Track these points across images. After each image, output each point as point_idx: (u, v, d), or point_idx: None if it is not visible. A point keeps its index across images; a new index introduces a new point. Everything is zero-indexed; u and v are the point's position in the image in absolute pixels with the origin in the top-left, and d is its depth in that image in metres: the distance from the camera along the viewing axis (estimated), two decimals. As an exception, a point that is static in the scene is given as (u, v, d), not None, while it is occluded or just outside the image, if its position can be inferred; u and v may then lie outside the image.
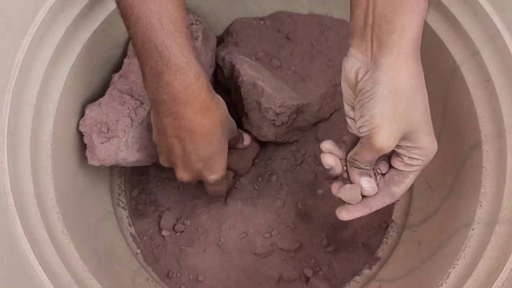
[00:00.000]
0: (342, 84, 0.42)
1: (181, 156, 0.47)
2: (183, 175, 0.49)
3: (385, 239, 0.61)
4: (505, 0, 0.46)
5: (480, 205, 0.47)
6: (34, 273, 0.43)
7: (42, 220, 0.46)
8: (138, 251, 0.61)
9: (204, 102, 0.43)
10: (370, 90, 0.37)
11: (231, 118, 0.50)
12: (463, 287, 0.43)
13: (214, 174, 0.49)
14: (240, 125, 0.63)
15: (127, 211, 0.63)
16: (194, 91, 0.42)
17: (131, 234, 0.62)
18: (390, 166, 0.42)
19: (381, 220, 0.61)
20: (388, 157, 0.43)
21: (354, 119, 0.41)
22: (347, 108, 0.42)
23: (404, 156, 0.40)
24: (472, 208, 0.47)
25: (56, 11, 0.47)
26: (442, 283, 0.46)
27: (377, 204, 0.43)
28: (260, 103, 0.57)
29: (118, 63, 0.58)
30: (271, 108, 0.57)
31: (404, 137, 0.38)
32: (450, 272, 0.46)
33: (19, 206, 0.44)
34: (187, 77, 0.41)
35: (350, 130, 0.43)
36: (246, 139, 0.58)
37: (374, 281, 0.58)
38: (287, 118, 0.58)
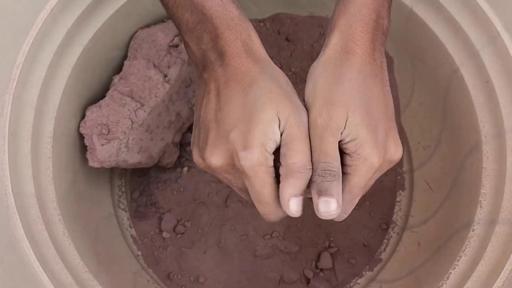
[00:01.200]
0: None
1: (214, 123, 0.34)
2: (211, 152, 0.34)
3: (385, 240, 0.61)
4: (505, 1, 0.46)
5: (480, 206, 0.47)
6: (34, 274, 0.43)
7: (43, 221, 0.46)
8: (139, 252, 0.61)
9: (251, 47, 0.35)
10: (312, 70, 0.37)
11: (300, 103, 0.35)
12: (463, 287, 0.43)
13: (247, 146, 0.32)
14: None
15: (127, 212, 0.63)
16: (236, 36, 0.34)
17: (131, 235, 0.62)
18: None
19: (381, 221, 0.61)
20: None
21: None
22: None
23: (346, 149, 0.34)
24: (472, 209, 0.47)
25: (57, 13, 0.47)
26: (443, 283, 0.46)
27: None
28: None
29: (119, 65, 0.58)
30: (271, 109, 0.57)
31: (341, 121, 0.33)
32: (450, 273, 0.46)
33: (19, 208, 0.44)
34: (224, 20, 0.35)
35: None
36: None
37: (375, 282, 0.58)
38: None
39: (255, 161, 0.32)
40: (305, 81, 0.54)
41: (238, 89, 0.33)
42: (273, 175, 0.34)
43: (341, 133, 0.32)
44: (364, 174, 0.33)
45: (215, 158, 0.34)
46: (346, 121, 0.32)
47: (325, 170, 0.32)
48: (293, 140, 0.32)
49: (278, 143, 0.33)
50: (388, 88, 0.36)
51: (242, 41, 0.34)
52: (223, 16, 0.35)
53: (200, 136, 0.36)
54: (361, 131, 0.32)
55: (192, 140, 0.39)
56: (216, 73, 0.35)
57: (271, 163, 0.33)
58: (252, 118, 0.32)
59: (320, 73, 0.35)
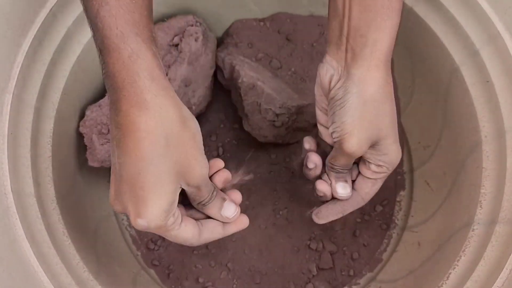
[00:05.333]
0: (315, 89, 0.43)
1: (114, 170, 0.35)
2: (112, 201, 0.36)
3: (385, 240, 0.61)
4: (505, 0, 0.46)
5: (480, 206, 0.47)
6: (34, 274, 0.43)
7: (43, 221, 0.46)
8: (139, 252, 0.61)
9: (142, 93, 0.31)
10: (342, 98, 0.39)
11: (199, 150, 0.35)
12: (463, 287, 0.43)
13: (141, 216, 0.33)
14: (240, 126, 0.63)
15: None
16: (128, 76, 0.31)
17: (131, 235, 0.62)
18: (359, 172, 0.44)
19: (381, 221, 0.61)
20: (357, 164, 0.44)
21: (325, 126, 0.44)
22: (318, 114, 0.44)
23: (371, 163, 0.42)
24: (472, 209, 0.47)
25: (56, 12, 0.47)
26: (443, 283, 0.46)
27: (349, 208, 0.45)
28: (260, 104, 0.57)
29: (118, 64, 0.58)
30: (271, 109, 0.57)
31: (373, 144, 0.40)
32: (450, 273, 0.46)
33: (19, 207, 0.44)
34: (121, 57, 0.31)
35: (321, 137, 0.44)
36: (228, 208, 0.39)
37: (375, 282, 0.58)
38: (287, 119, 0.58)
39: (153, 227, 0.34)
40: (305, 81, 0.55)
41: (131, 147, 0.32)
42: (179, 220, 0.36)
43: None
44: (385, 176, 0.43)
45: (116, 208, 0.36)
46: (380, 143, 0.40)
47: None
48: (199, 191, 0.36)
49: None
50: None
51: (133, 83, 0.31)
52: (118, 50, 0.31)
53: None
54: (391, 148, 0.41)
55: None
56: (113, 118, 0.33)
57: (172, 218, 0.35)
58: (146, 193, 0.32)
59: (360, 107, 0.38)
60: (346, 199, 0.44)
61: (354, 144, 0.39)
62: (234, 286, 0.59)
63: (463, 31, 0.50)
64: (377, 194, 0.61)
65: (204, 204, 0.38)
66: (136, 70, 0.31)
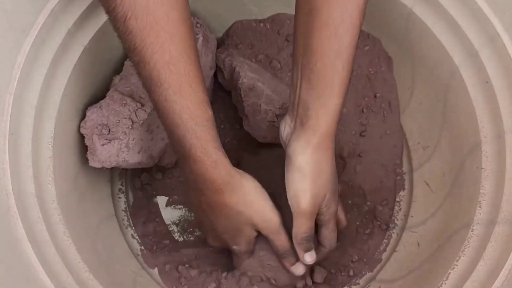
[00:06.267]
0: (280, 137, 0.50)
1: (209, 225, 0.50)
2: (212, 242, 0.53)
3: (385, 240, 0.61)
4: (504, 1, 0.46)
5: (480, 206, 0.47)
6: (35, 274, 0.43)
7: (44, 221, 0.46)
8: (139, 252, 0.61)
9: (220, 186, 0.45)
10: (288, 160, 0.46)
11: (267, 208, 0.48)
12: (463, 287, 0.43)
13: (235, 245, 0.51)
14: (240, 127, 0.63)
15: (128, 212, 0.63)
16: (209, 177, 0.44)
17: (131, 235, 0.62)
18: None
19: (381, 221, 0.61)
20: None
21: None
22: None
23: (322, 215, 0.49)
24: (471, 209, 0.47)
25: (57, 13, 0.47)
26: (442, 283, 0.46)
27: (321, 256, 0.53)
28: (260, 104, 0.58)
29: (119, 65, 0.58)
30: (271, 109, 0.57)
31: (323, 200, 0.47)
32: (449, 273, 0.46)
33: (20, 207, 0.44)
34: (204, 165, 0.43)
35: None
36: (297, 268, 0.52)
37: (374, 282, 0.58)
38: (287, 119, 0.58)
39: (242, 251, 0.52)
40: None
41: (220, 214, 0.47)
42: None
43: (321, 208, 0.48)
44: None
45: (215, 245, 0.53)
46: (324, 200, 0.47)
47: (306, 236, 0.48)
48: (269, 235, 0.49)
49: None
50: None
51: (216, 180, 0.44)
52: (203, 161, 0.43)
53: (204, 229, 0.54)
54: (332, 202, 0.48)
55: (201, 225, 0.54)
56: (197, 197, 0.47)
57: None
58: (236, 233, 0.49)
59: (298, 175, 0.46)
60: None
61: (307, 201, 0.45)
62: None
63: (462, 32, 0.50)
64: (377, 194, 0.62)
65: (279, 255, 0.51)
66: (218, 172, 0.44)
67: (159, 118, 0.43)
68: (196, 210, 0.51)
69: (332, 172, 0.47)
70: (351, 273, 0.59)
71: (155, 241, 0.62)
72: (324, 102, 0.43)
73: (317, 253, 0.50)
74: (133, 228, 0.63)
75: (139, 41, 0.38)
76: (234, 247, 0.51)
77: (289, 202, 0.46)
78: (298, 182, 0.45)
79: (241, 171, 0.47)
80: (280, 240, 0.49)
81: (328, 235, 0.51)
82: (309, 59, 0.43)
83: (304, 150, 0.44)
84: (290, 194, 0.46)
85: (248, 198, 0.46)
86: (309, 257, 0.49)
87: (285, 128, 0.48)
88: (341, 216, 0.53)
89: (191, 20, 0.40)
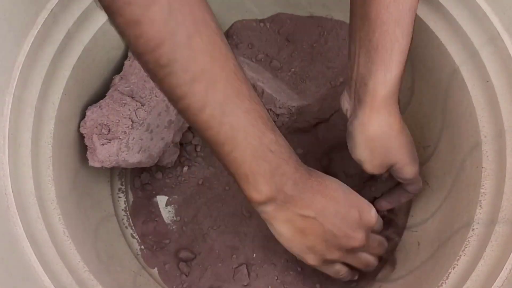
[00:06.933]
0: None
1: (312, 240, 0.44)
2: (315, 259, 0.45)
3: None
4: (505, 1, 0.46)
5: (480, 205, 0.47)
6: (35, 274, 0.43)
7: (43, 221, 0.46)
8: (139, 252, 0.61)
9: (308, 177, 0.42)
10: (351, 133, 0.46)
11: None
12: (463, 287, 0.43)
13: (350, 243, 0.45)
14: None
15: (127, 212, 0.63)
16: (295, 179, 0.41)
17: (131, 235, 0.62)
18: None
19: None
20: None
21: None
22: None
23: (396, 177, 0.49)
24: (471, 209, 0.47)
25: (57, 13, 0.47)
26: (442, 283, 0.46)
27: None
28: (260, 104, 0.58)
29: (119, 65, 0.58)
30: (271, 109, 0.57)
31: (390, 166, 0.47)
32: (450, 272, 0.46)
33: (20, 207, 0.44)
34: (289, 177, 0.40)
35: None
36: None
37: (374, 281, 0.58)
38: (287, 119, 0.58)
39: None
40: (305, 81, 0.56)
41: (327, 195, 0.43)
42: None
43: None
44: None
45: (317, 261, 0.46)
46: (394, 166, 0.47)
47: None
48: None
49: None
50: None
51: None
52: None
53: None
54: (404, 170, 0.48)
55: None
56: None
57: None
58: (352, 221, 0.45)
59: (364, 144, 0.46)
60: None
61: (369, 170, 0.47)
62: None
63: (462, 31, 0.50)
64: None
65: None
66: (301, 170, 0.42)
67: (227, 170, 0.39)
68: (291, 237, 0.43)
69: (402, 142, 0.46)
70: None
71: (155, 241, 0.62)
72: (384, 74, 0.42)
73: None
74: (133, 228, 0.63)
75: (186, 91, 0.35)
76: (348, 245, 0.44)
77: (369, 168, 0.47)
78: (363, 150, 0.46)
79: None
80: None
81: (414, 189, 0.53)
82: (368, 29, 0.42)
83: (367, 121, 0.44)
84: (361, 160, 0.47)
85: (339, 188, 0.44)
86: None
87: (345, 105, 0.48)
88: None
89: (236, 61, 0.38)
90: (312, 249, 0.43)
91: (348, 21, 0.47)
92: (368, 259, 0.49)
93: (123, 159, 0.53)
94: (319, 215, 0.42)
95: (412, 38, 0.42)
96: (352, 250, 0.46)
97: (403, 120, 0.47)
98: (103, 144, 0.51)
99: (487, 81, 0.48)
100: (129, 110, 0.53)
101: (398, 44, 0.41)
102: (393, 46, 0.41)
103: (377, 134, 0.44)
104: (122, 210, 0.63)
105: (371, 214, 0.46)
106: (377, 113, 0.44)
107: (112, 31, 0.54)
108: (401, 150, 0.46)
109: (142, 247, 0.62)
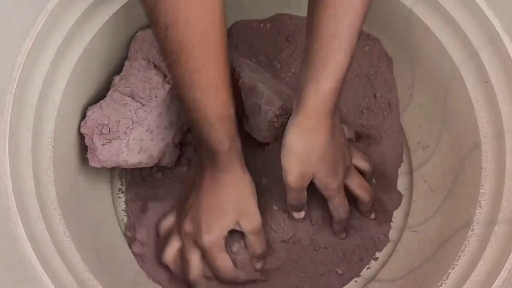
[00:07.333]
0: None
1: (195, 202, 0.53)
2: (184, 225, 0.53)
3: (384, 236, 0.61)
4: (504, 1, 0.46)
5: (480, 206, 0.47)
6: (35, 274, 0.43)
7: (44, 221, 0.46)
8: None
9: (227, 168, 0.50)
10: (283, 139, 0.48)
11: (256, 208, 0.53)
12: (463, 287, 0.43)
13: (206, 233, 0.52)
14: (240, 126, 0.63)
15: (127, 212, 0.63)
16: (221, 160, 0.49)
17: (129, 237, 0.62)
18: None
19: (381, 221, 0.61)
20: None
21: None
22: None
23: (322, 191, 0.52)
24: (471, 209, 0.47)
25: (57, 13, 0.47)
26: (442, 283, 0.46)
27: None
28: (260, 105, 0.58)
29: (119, 65, 0.58)
30: (271, 109, 0.57)
31: (312, 178, 0.49)
32: (449, 273, 0.46)
33: (20, 208, 0.44)
34: (218, 152, 0.48)
35: None
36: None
37: (373, 281, 0.58)
38: (287, 119, 0.58)
39: (214, 240, 0.51)
40: None
41: (220, 188, 0.51)
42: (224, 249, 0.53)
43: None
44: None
45: (186, 229, 0.53)
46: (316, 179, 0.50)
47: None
48: (250, 233, 0.52)
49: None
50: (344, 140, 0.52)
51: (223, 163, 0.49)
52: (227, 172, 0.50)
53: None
54: (331, 180, 0.50)
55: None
56: (201, 173, 0.52)
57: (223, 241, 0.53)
58: (217, 216, 0.51)
59: (288, 152, 0.48)
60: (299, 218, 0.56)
61: (288, 179, 0.49)
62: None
63: (462, 32, 0.50)
64: (377, 193, 0.61)
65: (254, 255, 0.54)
66: (229, 158, 0.49)
67: (185, 111, 0.47)
68: (192, 187, 0.54)
69: (325, 154, 0.48)
70: (350, 272, 0.59)
71: (155, 240, 0.62)
72: (316, 85, 0.44)
73: (333, 227, 0.57)
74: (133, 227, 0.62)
75: (177, 48, 0.40)
76: (204, 236, 0.51)
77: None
78: (285, 158, 0.48)
79: (247, 170, 0.51)
80: (261, 239, 0.53)
81: (335, 208, 0.54)
82: (309, 41, 0.44)
83: (293, 129, 0.47)
84: (282, 167, 0.49)
85: (244, 191, 0.51)
86: (296, 215, 0.55)
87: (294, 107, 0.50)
88: (360, 192, 0.55)
89: (226, 31, 0.43)
90: None
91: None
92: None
93: (123, 159, 0.53)
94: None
95: (351, 58, 0.44)
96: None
97: (340, 135, 0.50)
98: (103, 144, 0.51)
99: (487, 82, 0.48)
100: (130, 110, 0.53)
101: (333, 58, 0.43)
102: (328, 59, 0.43)
103: (300, 142, 0.46)
104: (122, 210, 0.63)
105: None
106: (307, 122, 0.46)
107: (113, 32, 0.54)
108: (322, 161, 0.48)
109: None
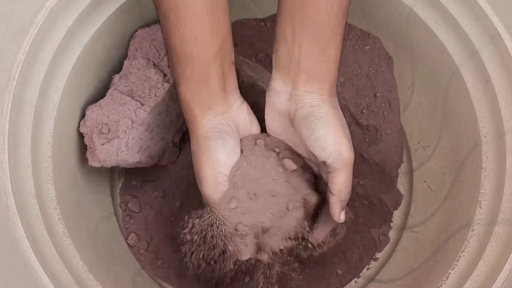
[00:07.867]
0: (268, 119, 0.49)
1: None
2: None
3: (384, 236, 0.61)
4: (505, 1, 0.46)
5: (480, 206, 0.47)
6: (34, 274, 0.43)
7: (43, 221, 0.46)
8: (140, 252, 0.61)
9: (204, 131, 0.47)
10: (306, 121, 0.43)
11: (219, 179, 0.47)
12: (463, 287, 0.43)
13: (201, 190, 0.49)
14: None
15: (127, 212, 0.63)
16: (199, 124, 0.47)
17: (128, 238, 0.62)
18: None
19: (381, 221, 0.61)
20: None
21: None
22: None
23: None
24: (471, 209, 0.48)
25: (57, 12, 0.47)
26: (442, 283, 0.46)
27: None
28: (259, 103, 0.57)
29: (119, 64, 0.58)
30: (271, 109, 0.57)
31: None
32: (449, 273, 0.46)
33: (19, 207, 0.44)
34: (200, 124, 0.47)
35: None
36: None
37: (374, 282, 0.58)
38: (287, 119, 0.58)
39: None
40: None
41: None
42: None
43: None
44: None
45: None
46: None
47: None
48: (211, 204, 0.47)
49: None
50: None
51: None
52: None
53: None
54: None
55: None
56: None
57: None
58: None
59: (333, 120, 0.44)
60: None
61: (348, 148, 0.43)
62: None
63: (463, 31, 0.50)
64: (377, 194, 0.61)
65: None
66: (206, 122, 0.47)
67: (172, 65, 0.46)
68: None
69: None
70: (350, 272, 0.59)
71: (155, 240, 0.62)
72: (329, 52, 0.43)
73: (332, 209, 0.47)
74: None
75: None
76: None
77: (327, 160, 0.43)
78: (332, 132, 0.43)
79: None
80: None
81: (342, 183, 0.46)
82: (309, 11, 0.42)
83: (322, 101, 0.44)
84: (327, 151, 0.43)
85: (212, 158, 0.47)
86: (344, 215, 0.46)
87: (280, 97, 0.46)
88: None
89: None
90: None
91: (348, 21, 0.47)
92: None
93: (122, 159, 0.52)
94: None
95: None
96: None
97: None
98: (103, 144, 0.51)
99: (487, 81, 0.48)
100: (129, 109, 0.52)
101: (340, 24, 0.43)
102: (337, 25, 0.43)
103: (335, 104, 0.45)
104: (122, 209, 0.63)
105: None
106: (330, 90, 0.44)
107: (112, 30, 0.54)
108: (331, 122, 0.44)
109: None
